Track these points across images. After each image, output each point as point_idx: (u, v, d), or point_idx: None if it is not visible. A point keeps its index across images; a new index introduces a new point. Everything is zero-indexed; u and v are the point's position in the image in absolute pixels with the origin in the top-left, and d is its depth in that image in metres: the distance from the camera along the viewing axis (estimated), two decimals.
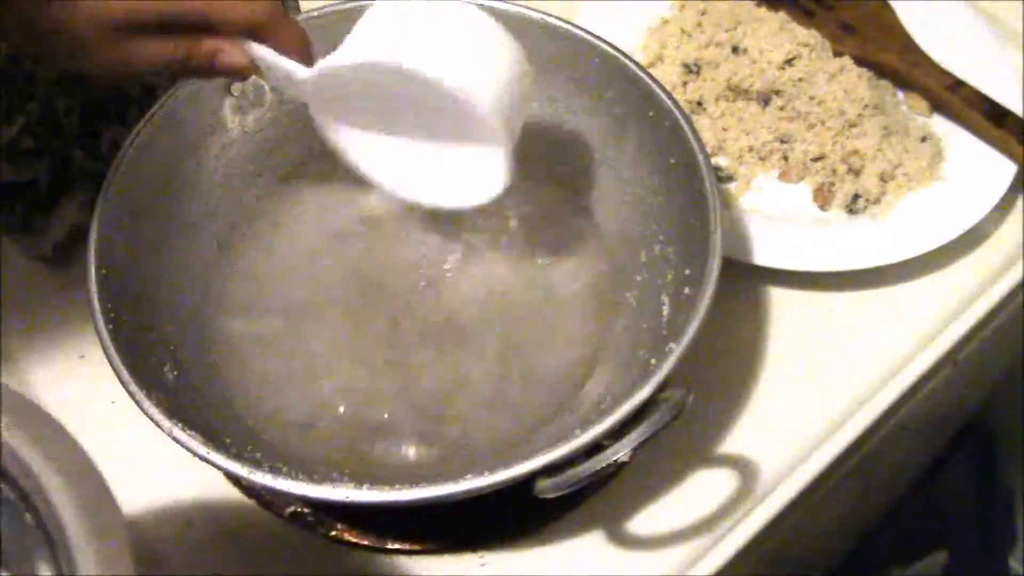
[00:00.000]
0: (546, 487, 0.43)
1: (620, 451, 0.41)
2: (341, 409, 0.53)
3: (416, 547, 0.53)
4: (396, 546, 0.53)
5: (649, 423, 0.41)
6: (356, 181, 0.59)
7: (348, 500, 0.43)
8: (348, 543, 0.53)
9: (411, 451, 0.52)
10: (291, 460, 0.49)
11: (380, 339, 0.56)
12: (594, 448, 0.44)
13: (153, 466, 0.54)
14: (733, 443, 0.55)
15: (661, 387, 0.45)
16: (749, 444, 0.55)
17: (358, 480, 0.49)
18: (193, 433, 0.44)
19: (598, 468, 0.42)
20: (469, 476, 0.43)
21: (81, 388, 0.57)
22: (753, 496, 0.53)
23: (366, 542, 0.53)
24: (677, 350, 0.46)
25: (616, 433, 0.44)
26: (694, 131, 0.53)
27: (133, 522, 0.53)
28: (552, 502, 0.45)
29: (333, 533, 0.53)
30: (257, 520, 0.53)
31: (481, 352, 0.55)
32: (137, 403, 0.45)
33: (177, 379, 0.50)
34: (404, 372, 0.55)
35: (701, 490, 0.54)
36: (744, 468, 0.54)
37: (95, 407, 0.56)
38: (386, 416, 0.53)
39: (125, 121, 0.65)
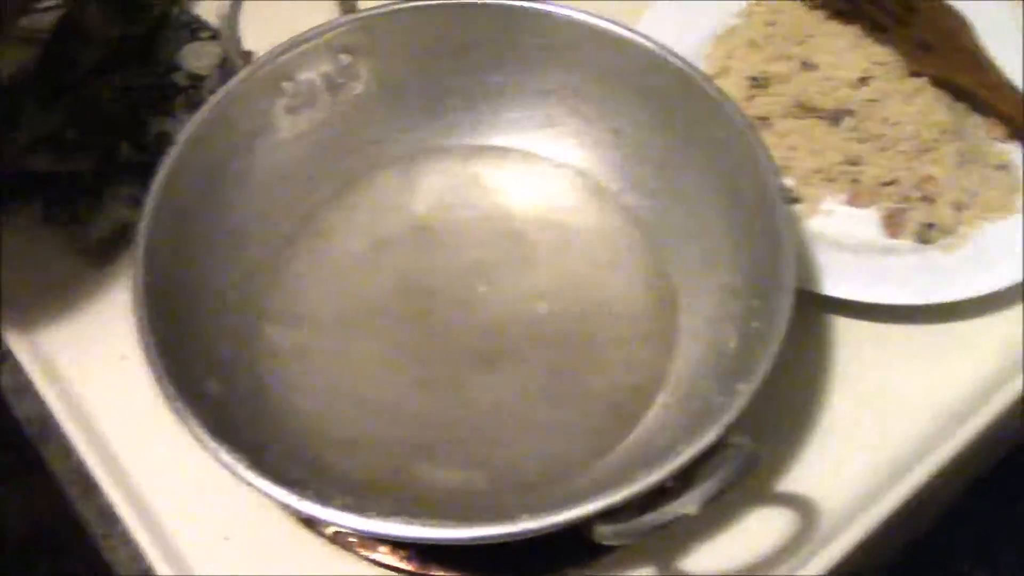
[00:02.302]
0: (606, 534, 0.40)
1: (689, 504, 0.39)
2: (386, 427, 0.51)
3: (461, 575, 0.51)
4: (440, 573, 0.51)
5: (721, 477, 0.39)
6: (409, 185, 0.58)
7: (400, 536, 0.41)
8: (391, 568, 0.51)
9: (458, 475, 0.50)
10: (335, 480, 0.48)
11: (429, 353, 0.54)
12: (656, 491, 0.42)
13: (191, 475, 0.52)
14: (793, 482, 0.53)
15: (728, 429, 0.43)
16: (810, 484, 0.53)
17: (403, 502, 0.47)
18: (239, 455, 0.42)
19: (664, 521, 0.39)
20: (525, 516, 0.41)
21: (122, 390, 0.55)
22: (813, 540, 0.51)
23: (409, 567, 0.51)
24: (747, 391, 0.43)
25: (679, 476, 0.42)
26: (767, 154, 0.50)
27: (167, 534, 0.51)
28: None
29: (375, 557, 0.51)
30: (297, 538, 0.51)
31: (534, 372, 0.53)
32: (181, 421, 0.43)
33: (220, 392, 0.48)
34: (452, 390, 0.53)
35: (759, 530, 0.52)
36: (804, 509, 0.52)
37: (135, 410, 0.54)
38: (433, 436, 0.51)
39: (173, 113, 0.63)
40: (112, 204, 0.59)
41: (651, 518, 0.40)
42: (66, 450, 0.54)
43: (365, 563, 0.51)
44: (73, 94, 0.60)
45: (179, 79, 0.63)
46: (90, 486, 0.53)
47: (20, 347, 0.57)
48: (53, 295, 0.58)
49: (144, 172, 0.51)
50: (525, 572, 0.51)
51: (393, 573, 0.51)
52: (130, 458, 0.54)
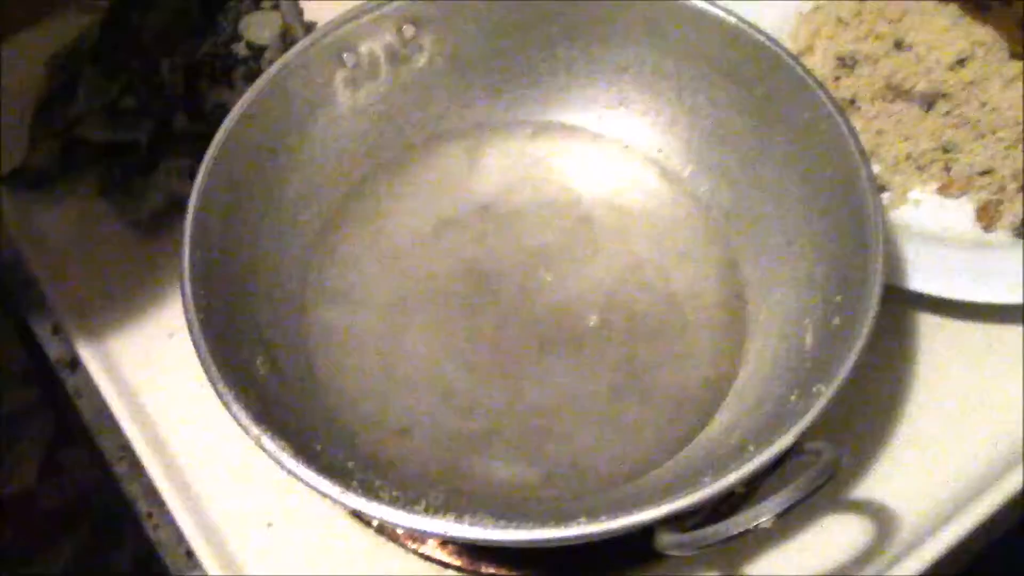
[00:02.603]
0: (669, 544, 0.38)
1: (762, 516, 0.36)
2: (441, 416, 0.49)
3: (513, 573, 0.48)
4: (491, 570, 0.48)
5: (796, 486, 0.36)
6: (471, 164, 0.55)
7: (446, 534, 0.39)
8: (439, 562, 0.49)
9: (514, 469, 0.48)
10: (384, 471, 0.46)
11: (487, 340, 0.51)
12: (724, 497, 0.39)
13: (236, 458, 0.50)
14: (870, 489, 0.50)
15: (804, 433, 0.40)
16: (889, 492, 0.49)
17: (454, 496, 0.45)
18: (283, 444, 0.40)
19: (733, 533, 0.36)
20: (582, 520, 0.39)
21: (168, 368, 0.54)
22: (890, 552, 0.48)
23: (459, 563, 0.48)
24: (827, 394, 0.40)
25: (749, 483, 0.39)
26: (857, 140, 0.47)
27: (210, 519, 0.50)
28: None
29: (423, 550, 0.49)
30: (342, 528, 0.49)
31: (597, 363, 0.50)
32: (225, 405, 0.41)
33: (269, 373, 0.46)
34: (511, 379, 0.50)
35: (832, 539, 0.48)
36: (882, 519, 0.49)
37: (182, 389, 0.52)
38: (488, 427, 0.49)
39: (232, 83, 0.61)
40: (166, 176, 0.57)
41: (719, 529, 0.37)
42: (114, 426, 0.53)
43: (413, 556, 0.49)
44: (133, 63, 0.58)
45: (239, 49, 0.62)
46: (135, 464, 0.52)
47: (70, 320, 0.55)
48: (105, 268, 0.57)
49: (200, 144, 0.49)
50: (584, 572, 0.48)
51: (442, 568, 0.49)
52: (175, 438, 0.52)
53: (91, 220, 0.58)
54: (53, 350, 0.57)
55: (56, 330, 0.57)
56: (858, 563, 0.48)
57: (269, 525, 0.50)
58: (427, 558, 0.49)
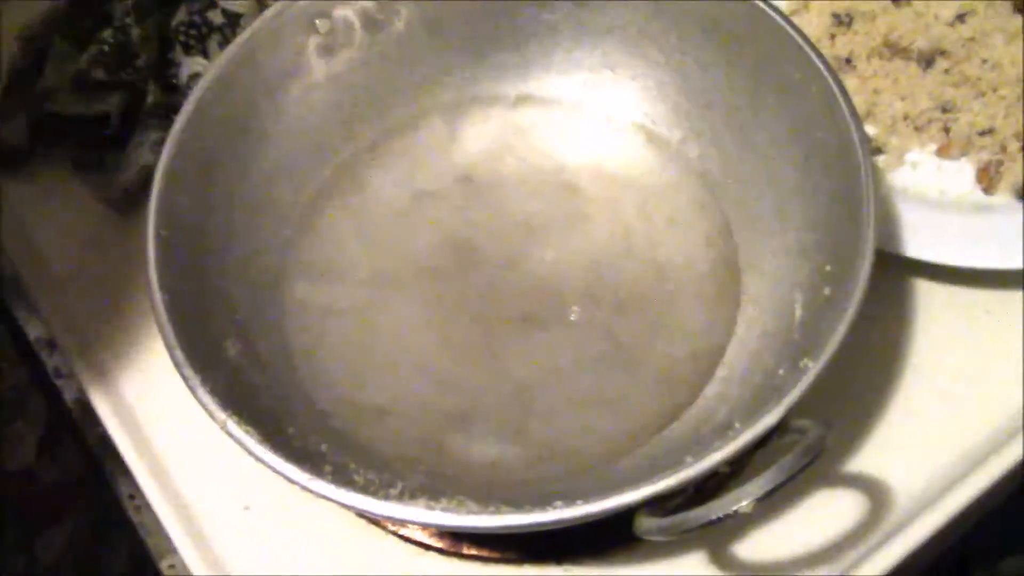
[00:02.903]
0: (649, 528, 0.36)
1: (742, 500, 0.35)
2: (420, 394, 0.48)
3: (494, 555, 0.47)
4: (473, 552, 0.47)
5: (779, 468, 0.35)
6: (452, 134, 0.54)
7: (417, 520, 0.38)
8: (420, 544, 0.47)
9: (494, 448, 0.46)
10: (361, 452, 0.45)
11: (469, 315, 0.50)
12: (708, 477, 0.38)
13: (212, 440, 0.48)
14: (863, 462, 0.48)
15: (791, 410, 0.39)
16: (882, 465, 0.48)
17: (433, 477, 0.44)
18: (250, 429, 0.39)
19: (712, 518, 0.35)
20: (560, 504, 0.37)
21: (145, 348, 0.52)
22: (884, 527, 0.46)
23: (440, 545, 0.47)
24: (814, 369, 0.39)
25: (734, 461, 0.38)
26: (850, 103, 0.45)
27: (186, 503, 0.49)
28: None
29: (404, 532, 0.47)
30: (321, 510, 0.48)
31: (582, 337, 0.49)
32: (191, 389, 0.40)
33: (241, 353, 0.45)
34: (493, 355, 0.49)
35: (822, 513, 0.47)
36: (875, 493, 0.47)
37: (159, 370, 0.51)
38: (469, 405, 0.47)
39: (207, 52, 0.59)
40: (140, 150, 0.55)
41: (699, 514, 0.35)
42: (89, 408, 0.52)
43: (393, 538, 0.48)
44: (103, 34, 0.57)
45: (215, 17, 0.60)
46: (112, 447, 0.51)
47: (46, 300, 0.54)
48: (80, 247, 0.56)
49: (175, 116, 0.47)
50: (565, 555, 0.47)
51: (423, 550, 0.47)
52: (151, 419, 0.51)
53: (65, 197, 0.57)
54: (32, 330, 0.56)
55: (32, 309, 0.55)
56: (850, 539, 0.46)
57: (246, 508, 0.49)
58: (408, 540, 0.47)
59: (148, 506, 0.50)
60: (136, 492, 0.51)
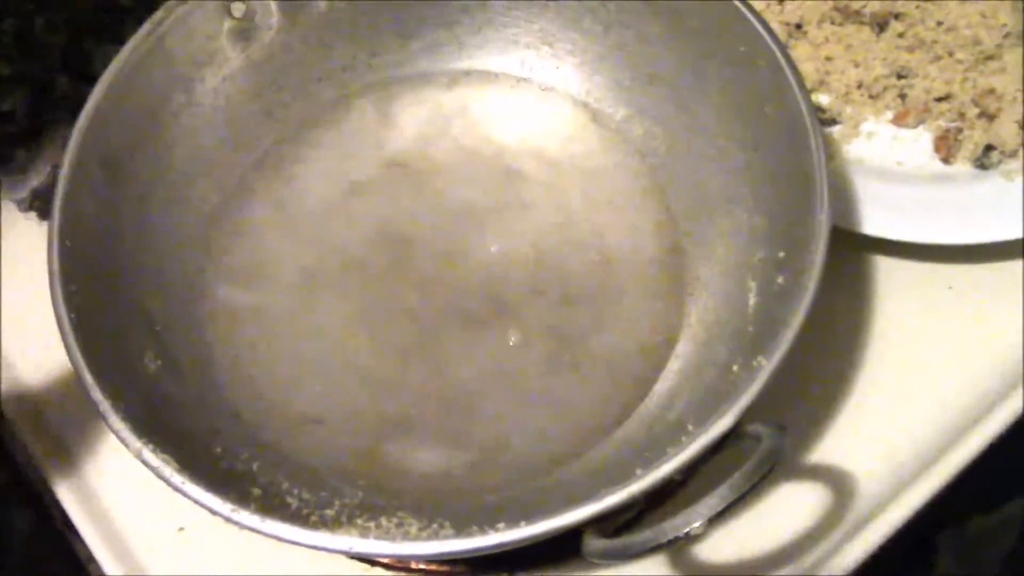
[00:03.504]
0: (596, 551, 0.34)
1: (693, 521, 0.32)
2: (357, 400, 0.45)
3: (443, 568, 0.45)
4: (421, 566, 0.45)
5: (731, 484, 0.32)
6: (383, 119, 0.51)
7: (351, 550, 0.35)
8: (365, 560, 0.45)
9: (437, 456, 0.44)
10: (294, 468, 0.42)
11: (406, 314, 0.47)
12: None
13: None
14: (825, 452, 0.46)
15: (745, 412, 0.36)
16: (845, 454, 0.46)
17: (372, 490, 0.42)
18: (168, 457, 0.36)
19: (662, 541, 0.33)
20: (501, 526, 0.35)
21: (59, 361, 0.49)
22: (848, 519, 0.44)
23: (385, 561, 0.45)
24: (767, 368, 0.36)
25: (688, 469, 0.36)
26: (799, 77, 0.42)
27: (118, 526, 0.46)
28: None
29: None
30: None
31: (527, 333, 0.46)
32: (102, 415, 0.37)
33: (161, 368, 0.42)
34: (432, 355, 0.46)
35: (785, 508, 0.45)
36: (839, 484, 0.45)
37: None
38: (409, 411, 0.45)
39: (121, 39, 0.55)
40: (51, 147, 0.52)
41: (647, 537, 0.33)
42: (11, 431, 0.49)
43: (337, 555, 0.45)
44: (4, 22, 0.53)
45: (127, 0, 0.56)
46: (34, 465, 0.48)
47: None
48: None
49: None
50: (517, 564, 0.45)
51: (368, 567, 0.45)
52: (73, 438, 0.48)
53: None
54: None
55: None
56: (815, 535, 0.44)
57: (181, 529, 0.46)
58: (353, 556, 0.45)
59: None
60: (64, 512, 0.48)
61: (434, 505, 0.40)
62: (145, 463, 0.36)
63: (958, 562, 0.72)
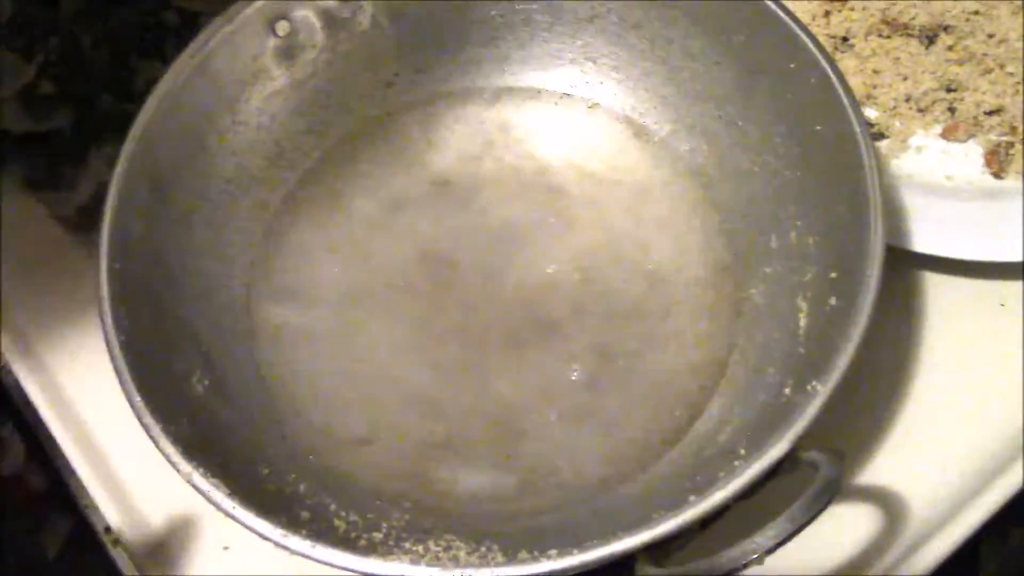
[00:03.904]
0: None
1: (752, 553, 0.32)
2: (403, 421, 0.45)
3: None
4: None
5: (790, 515, 0.32)
6: (427, 137, 0.50)
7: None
8: None
9: (484, 477, 0.43)
10: (341, 490, 0.42)
11: (451, 334, 0.47)
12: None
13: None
14: (876, 473, 0.45)
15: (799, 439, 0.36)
16: (897, 476, 0.45)
17: (419, 511, 0.41)
18: (218, 481, 0.36)
19: (718, 574, 0.32)
20: (552, 553, 0.34)
21: (106, 379, 0.49)
22: (900, 542, 0.44)
23: None
24: (822, 393, 0.36)
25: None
26: (849, 92, 0.42)
27: (160, 543, 0.46)
28: None
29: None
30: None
31: (573, 353, 0.46)
32: (152, 439, 0.37)
33: (208, 389, 0.42)
34: (478, 375, 0.46)
35: (835, 531, 0.44)
36: (890, 506, 0.45)
37: (122, 401, 0.48)
38: (456, 431, 0.44)
39: (164, 56, 0.56)
40: (97, 164, 0.52)
41: (703, 567, 0.33)
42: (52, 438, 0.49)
43: None
44: (51, 41, 0.53)
45: (170, 18, 0.56)
46: (80, 483, 0.48)
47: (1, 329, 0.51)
48: (36, 269, 0.52)
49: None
50: None
51: None
52: (117, 453, 0.48)
53: (21, 218, 0.54)
54: None
55: None
56: (867, 555, 0.44)
57: (226, 549, 0.46)
58: None
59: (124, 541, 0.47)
60: (110, 526, 0.48)
61: (481, 527, 0.39)
62: (195, 487, 0.36)
63: (1000, 571, 0.71)
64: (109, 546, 0.49)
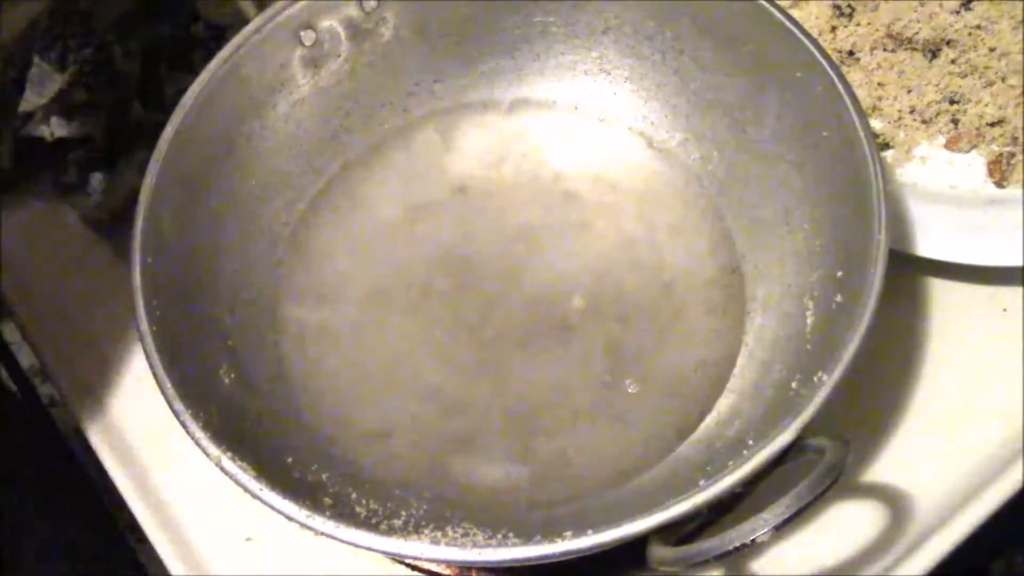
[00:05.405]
0: (662, 559, 0.35)
1: (760, 529, 0.33)
2: (421, 416, 0.46)
3: None
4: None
5: (797, 493, 0.33)
6: (445, 144, 0.52)
7: (422, 556, 0.36)
8: (427, 572, 0.46)
9: (501, 470, 0.45)
10: (362, 480, 0.43)
11: (469, 332, 0.48)
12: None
13: (211, 469, 0.47)
14: (881, 471, 0.47)
15: (805, 427, 0.37)
16: (901, 473, 0.46)
17: (437, 502, 0.43)
18: (245, 464, 0.38)
19: (728, 548, 0.33)
20: (568, 535, 0.36)
21: (137, 375, 0.51)
22: (906, 539, 0.45)
23: (449, 572, 0.46)
24: (828, 384, 0.37)
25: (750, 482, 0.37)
26: (855, 100, 0.43)
27: (185, 536, 0.47)
28: None
29: (409, 560, 0.46)
30: (325, 540, 0.47)
31: (587, 352, 0.47)
32: (183, 425, 0.39)
33: (235, 382, 0.44)
34: (495, 372, 0.47)
35: (841, 526, 0.46)
36: (895, 503, 0.46)
37: (151, 397, 0.49)
38: (473, 425, 0.46)
39: (192, 67, 0.58)
40: (127, 171, 0.54)
41: (714, 544, 0.34)
42: (85, 438, 0.50)
43: (399, 566, 0.46)
44: (84, 52, 0.55)
45: (198, 31, 0.58)
46: (108, 477, 0.49)
47: (34, 327, 0.53)
48: (68, 273, 0.54)
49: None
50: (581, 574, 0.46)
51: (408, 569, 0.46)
52: (144, 448, 0.50)
53: (52, 222, 0.55)
54: (24, 358, 0.54)
55: (24, 337, 0.54)
56: (871, 553, 0.45)
57: (248, 540, 0.47)
58: (414, 568, 0.46)
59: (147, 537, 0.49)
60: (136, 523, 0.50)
61: (498, 518, 0.41)
62: (223, 470, 0.38)
63: None
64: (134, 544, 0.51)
